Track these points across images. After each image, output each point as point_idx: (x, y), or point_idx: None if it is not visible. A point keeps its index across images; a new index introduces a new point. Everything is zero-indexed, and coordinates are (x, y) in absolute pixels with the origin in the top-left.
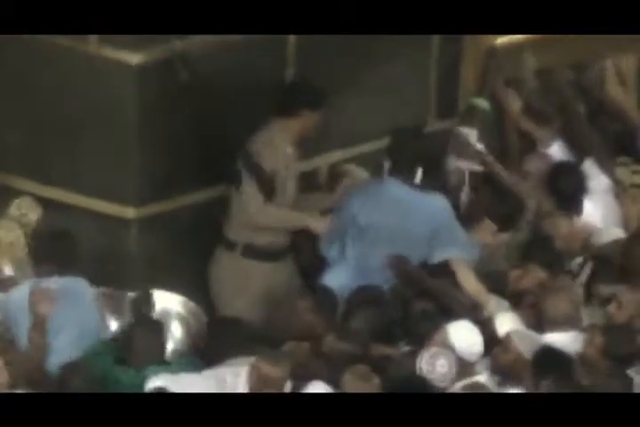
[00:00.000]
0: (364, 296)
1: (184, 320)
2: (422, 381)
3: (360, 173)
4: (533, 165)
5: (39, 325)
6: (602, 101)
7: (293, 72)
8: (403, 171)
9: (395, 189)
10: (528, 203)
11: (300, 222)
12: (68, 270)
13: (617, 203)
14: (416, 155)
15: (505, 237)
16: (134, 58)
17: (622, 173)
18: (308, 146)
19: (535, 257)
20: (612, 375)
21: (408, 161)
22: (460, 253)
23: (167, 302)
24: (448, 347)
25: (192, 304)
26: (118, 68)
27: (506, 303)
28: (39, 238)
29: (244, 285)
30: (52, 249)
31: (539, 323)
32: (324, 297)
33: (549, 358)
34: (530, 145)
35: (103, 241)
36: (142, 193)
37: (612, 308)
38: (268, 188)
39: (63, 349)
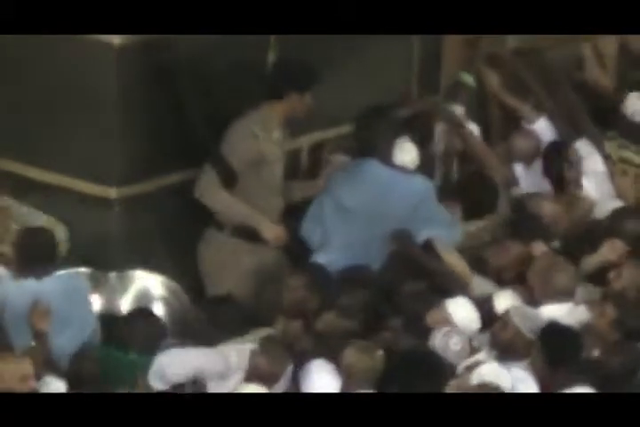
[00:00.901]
0: (352, 275)
1: (165, 300)
2: (428, 354)
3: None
4: (519, 142)
5: (40, 337)
6: (584, 81)
7: (276, 55)
8: (372, 151)
9: (374, 169)
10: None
11: (252, 223)
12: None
13: (610, 179)
14: (382, 133)
15: (481, 223)
16: (115, 39)
17: (610, 147)
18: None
19: (522, 235)
20: (623, 348)
21: (375, 140)
22: (443, 232)
23: (147, 281)
24: (450, 323)
25: (173, 284)
26: (99, 49)
27: (488, 281)
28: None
29: (234, 264)
30: (37, 248)
31: (531, 298)
32: (317, 275)
33: (557, 334)
34: (515, 122)
35: (85, 221)
36: (124, 173)
37: (611, 274)
38: (228, 178)
39: (65, 345)
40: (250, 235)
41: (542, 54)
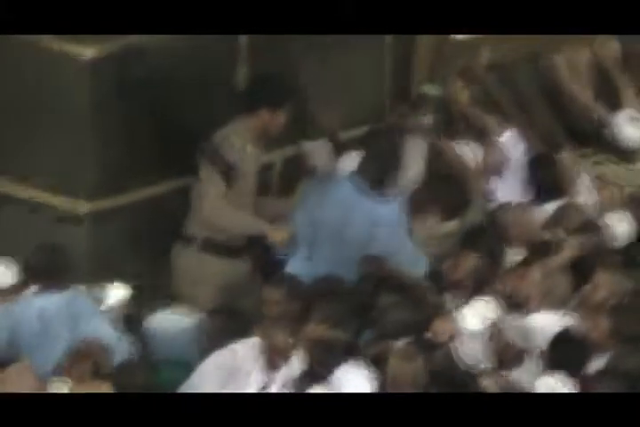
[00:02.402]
0: (326, 286)
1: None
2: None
3: (321, 151)
4: (487, 156)
5: None
6: (559, 93)
7: (248, 63)
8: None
9: (344, 189)
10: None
11: (257, 229)
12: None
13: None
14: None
15: (450, 225)
16: (87, 51)
17: (585, 165)
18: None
19: (475, 245)
20: (628, 354)
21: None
22: (404, 263)
23: (118, 296)
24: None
25: (144, 298)
26: (71, 61)
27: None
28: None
29: (204, 279)
30: (44, 264)
31: (516, 306)
32: (292, 285)
33: (566, 344)
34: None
35: (55, 236)
36: (95, 187)
37: (588, 288)
38: (229, 183)
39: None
40: (219, 249)
41: (515, 69)
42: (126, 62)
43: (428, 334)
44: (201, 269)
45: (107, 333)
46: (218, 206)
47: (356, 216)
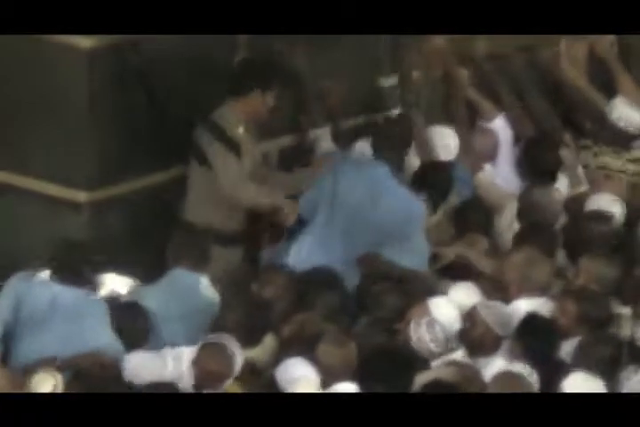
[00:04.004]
0: (318, 277)
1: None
2: (400, 347)
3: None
4: (477, 141)
5: None
6: (558, 84)
7: (244, 55)
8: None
9: (380, 173)
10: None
11: (276, 201)
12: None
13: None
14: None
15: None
16: (85, 42)
17: (585, 156)
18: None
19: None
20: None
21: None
22: (412, 262)
23: (117, 285)
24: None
25: (142, 288)
26: (69, 52)
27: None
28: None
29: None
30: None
31: (500, 293)
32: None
33: (535, 326)
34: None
35: (54, 226)
36: (93, 177)
37: (570, 274)
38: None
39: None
40: (221, 238)
41: (512, 59)
42: (124, 52)
43: (400, 325)
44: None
45: (105, 341)
46: (239, 180)
47: (388, 201)
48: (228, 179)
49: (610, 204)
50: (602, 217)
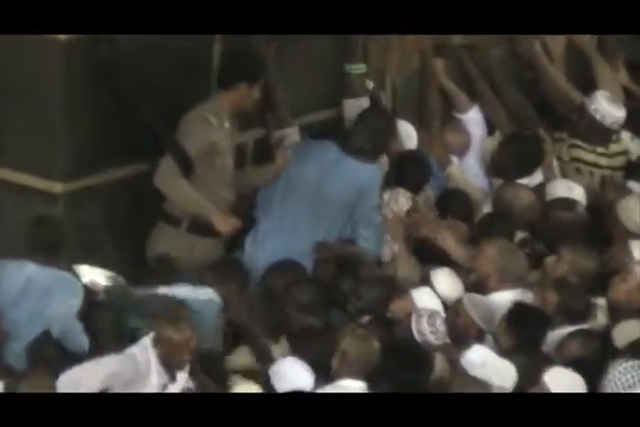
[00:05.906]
0: (282, 272)
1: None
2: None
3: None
4: (449, 135)
5: None
6: (535, 75)
7: (220, 48)
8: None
9: (327, 149)
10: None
11: (205, 214)
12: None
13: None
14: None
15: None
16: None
17: (559, 148)
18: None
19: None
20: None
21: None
22: (367, 242)
23: (93, 277)
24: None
25: (120, 279)
26: (44, 43)
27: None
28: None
29: (188, 260)
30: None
31: (479, 284)
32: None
33: (524, 315)
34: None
35: (30, 217)
36: (69, 168)
37: (550, 262)
38: (185, 166)
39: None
40: (205, 230)
41: (488, 51)
42: (99, 44)
43: (388, 313)
44: (186, 250)
45: (71, 324)
46: (172, 177)
47: (340, 174)
48: (162, 170)
49: (567, 190)
50: (566, 204)
